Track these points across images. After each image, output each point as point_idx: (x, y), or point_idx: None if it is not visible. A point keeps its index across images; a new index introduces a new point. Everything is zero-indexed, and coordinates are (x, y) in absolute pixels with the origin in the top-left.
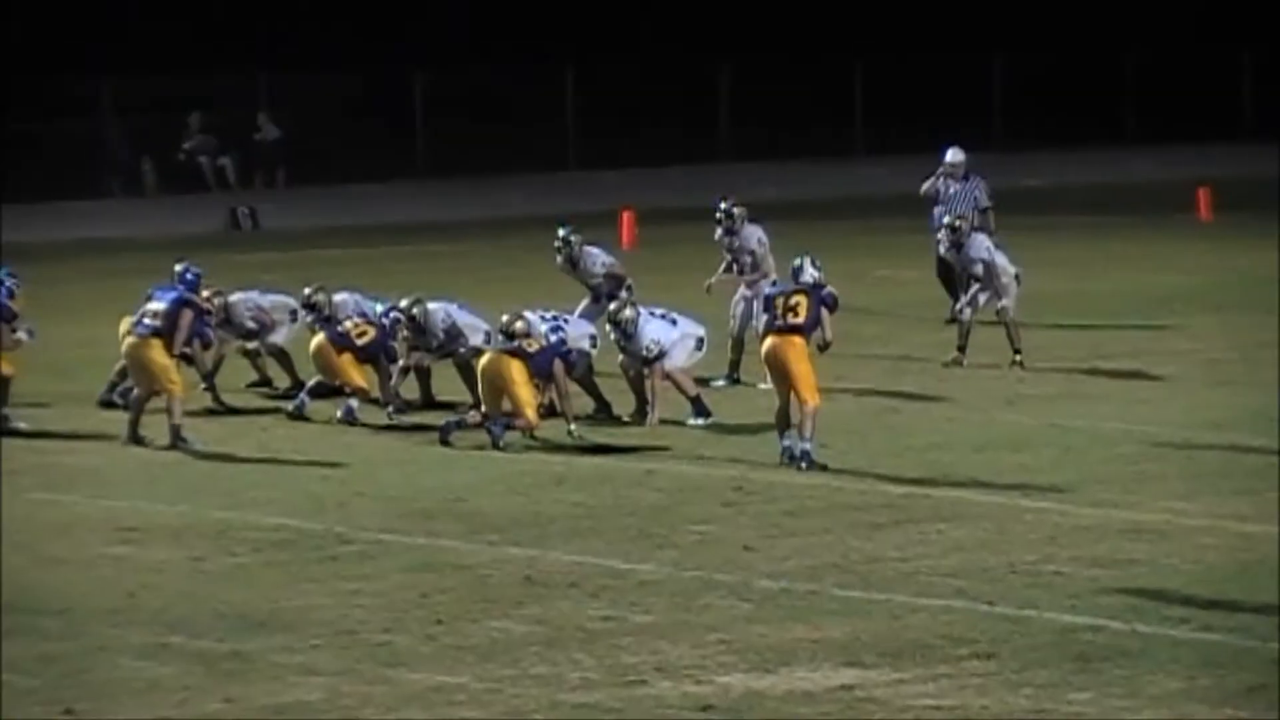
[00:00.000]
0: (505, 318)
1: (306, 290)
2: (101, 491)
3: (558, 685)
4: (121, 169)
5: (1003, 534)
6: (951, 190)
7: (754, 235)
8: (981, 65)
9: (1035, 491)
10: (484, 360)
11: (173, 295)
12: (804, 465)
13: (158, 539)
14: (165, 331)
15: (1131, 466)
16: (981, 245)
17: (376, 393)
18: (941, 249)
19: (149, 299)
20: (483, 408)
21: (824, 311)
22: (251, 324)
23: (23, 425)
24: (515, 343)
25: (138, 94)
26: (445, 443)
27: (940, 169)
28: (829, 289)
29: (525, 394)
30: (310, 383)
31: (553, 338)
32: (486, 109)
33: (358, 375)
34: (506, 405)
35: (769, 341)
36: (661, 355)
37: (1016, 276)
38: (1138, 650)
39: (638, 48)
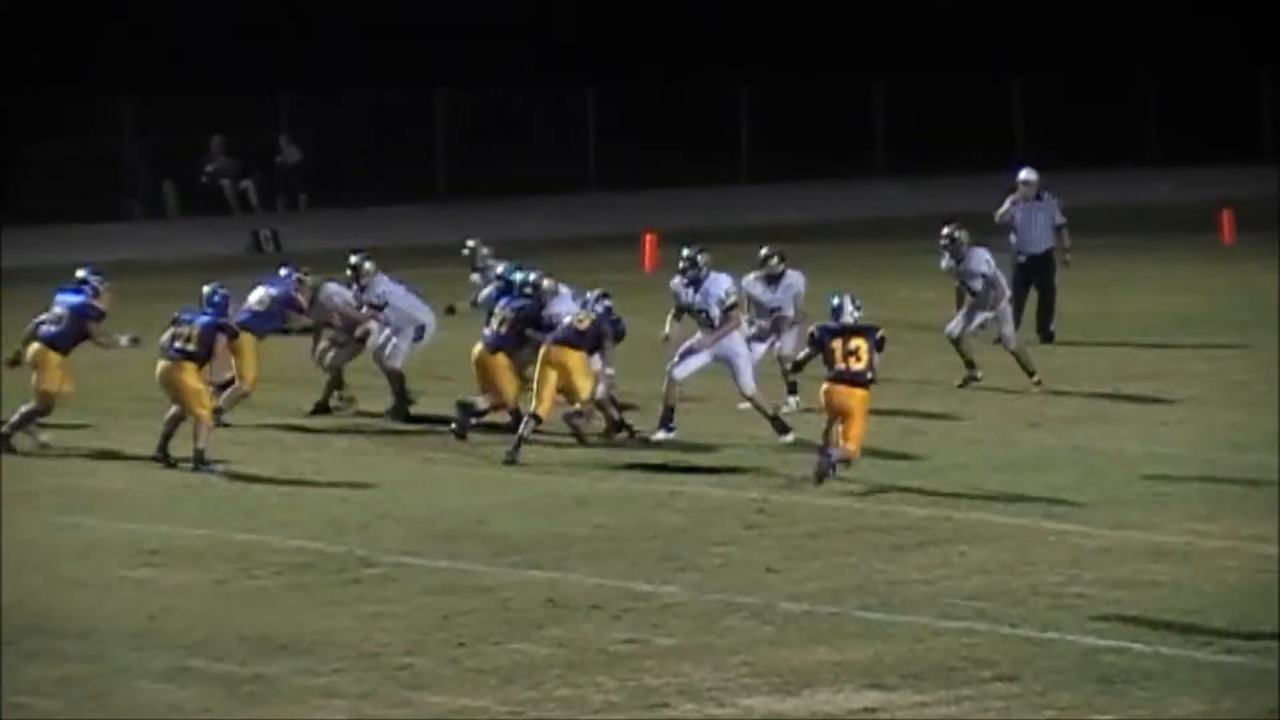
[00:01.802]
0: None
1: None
2: (123, 514)
3: (580, 708)
4: (143, 191)
5: (1025, 556)
6: (1027, 212)
7: (723, 284)
8: (1002, 87)
9: (1058, 513)
10: (544, 351)
11: (205, 320)
12: (834, 472)
13: (179, 562)
14: (199, 356)
15: (1153, 488)
16: (982, 258)
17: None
18: (942, 263)
19: (176, 322)
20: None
21: (876, 354)
22: (336, 319)
23: (45, 438)
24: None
25: (160, 116)
26: (462, 436)
27: (1015, 194)
28: (880, 330)
29: (585, 383)
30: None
31: (599, 307)
32: (507, 131)
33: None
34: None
35: (835, 390)
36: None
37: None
38: (1161, 672)
39: (659, 69)
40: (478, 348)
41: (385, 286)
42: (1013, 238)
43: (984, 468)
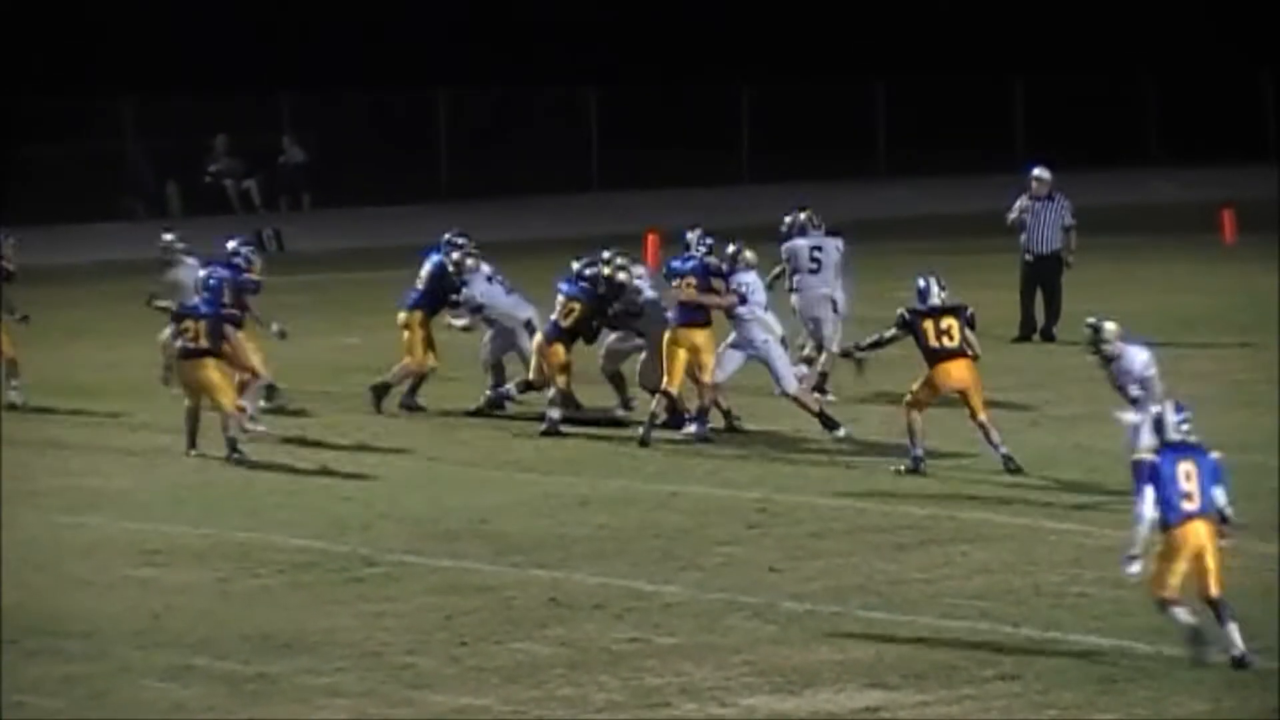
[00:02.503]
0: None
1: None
2: (126, 514)
3: (582, 707)
4: (146, 191)
5: (1027, 556)
6: (1037, 211)
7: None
8: (1004, 87)
9: (1060, 513)
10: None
11: (208, 313)
12: (1011, 466)
13: (182, 561)
14: (213, 350)
15: None
16: (1137, 359)
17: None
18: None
19: (177, 317)
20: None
21: (969, 331)
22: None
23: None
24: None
25: (162, 116)
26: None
27: (1026, 192)
28: (969, 309)
29: (711, 360)
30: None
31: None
32: (510, 131)
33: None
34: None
35: (945, 367)
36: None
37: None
38: (1162, 672)
39: (661, 69)
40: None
41: (482, 287)
42: (1023, 236)
43: (986, 468)
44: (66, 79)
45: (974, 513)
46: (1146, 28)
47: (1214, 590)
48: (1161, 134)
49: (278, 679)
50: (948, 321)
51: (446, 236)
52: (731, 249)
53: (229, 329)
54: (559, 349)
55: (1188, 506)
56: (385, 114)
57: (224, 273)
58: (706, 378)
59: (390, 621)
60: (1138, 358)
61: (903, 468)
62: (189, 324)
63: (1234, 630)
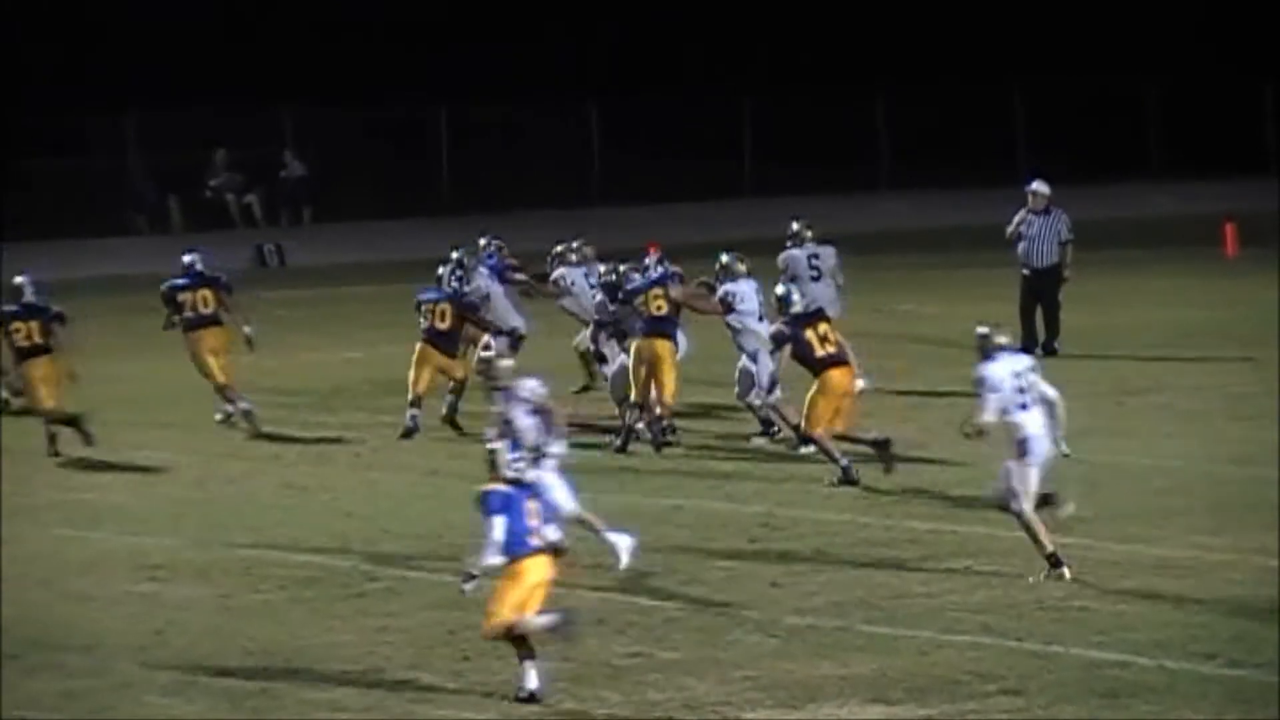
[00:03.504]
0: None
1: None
2: (128, 528)
3: None
4: (147, 206)
5: (1029, 570)
6: (1034, 225)
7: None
8: (1005, 99)
9: (1064, 527)
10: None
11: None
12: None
13: (184, 576)
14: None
15: (1158, 501)
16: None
17: None
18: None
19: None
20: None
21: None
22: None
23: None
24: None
25: (163, 131)
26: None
27: (1025, 206)
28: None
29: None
30: None
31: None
32: (510, 144)
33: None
34: None
35: (834, 372)
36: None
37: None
38: (1165, 686)
39: (662, 82)
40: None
41: (484, 281)
42: (1020, 249)
43: (988, 481)
44: (68, 94)
45: (976, 527)
46: (1148, 40)
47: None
48: (1163, 147)
49: (280, 694)
50: (824, 327)
51: (483, 241)
52: (725, 259)
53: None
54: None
55: (533, 541)
56: (385, 128)
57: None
58: (666, 395)
59: (392, 636)
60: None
61: (835, 480)
62: (20, 325)
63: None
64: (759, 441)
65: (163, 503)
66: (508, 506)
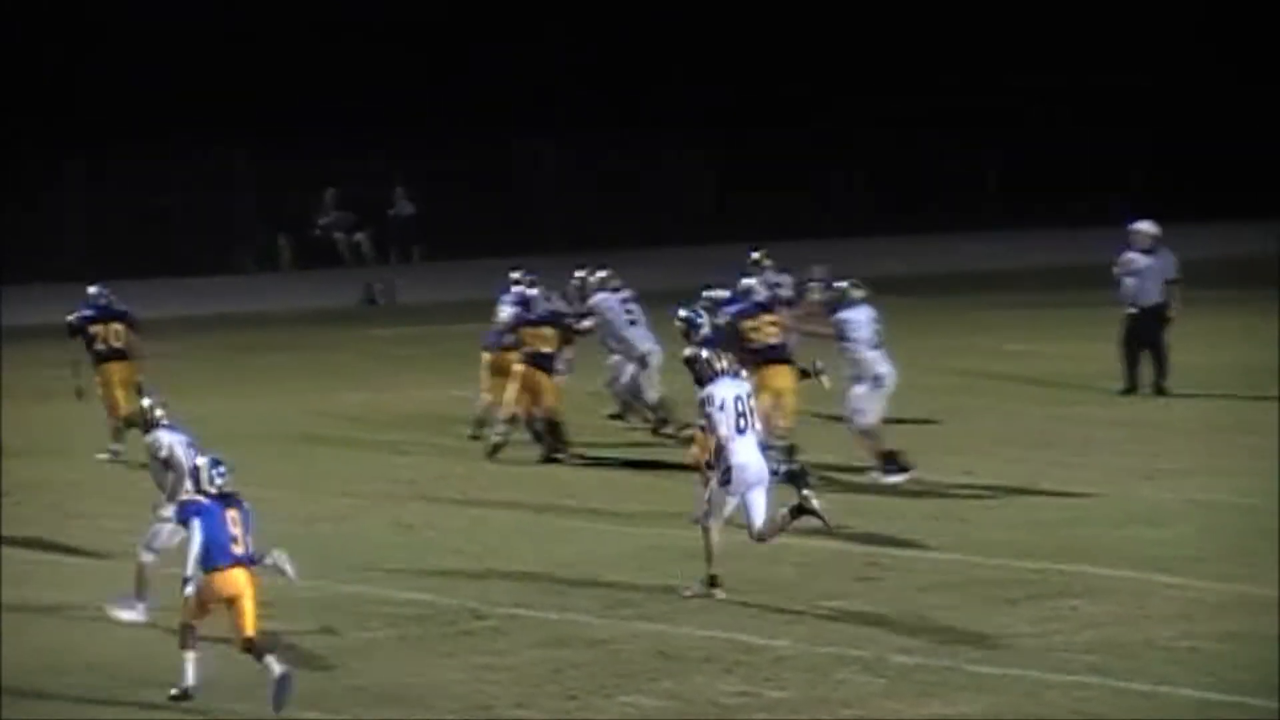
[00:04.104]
0: None
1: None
2: None
3: None
4: (256, 244)
5: (1138, 610)
6: (1140, 264)
7: None
8: (1115, 140)
9: (1171, 566)
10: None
11: None
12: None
13: (292, 614)
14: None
15: (1268, 541)
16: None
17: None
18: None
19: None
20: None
21: None
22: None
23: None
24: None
25: (273, 169)
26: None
27: (1130, 246)
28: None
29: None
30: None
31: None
32: (620, 181)
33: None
34: None
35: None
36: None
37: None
38: None
39: (766, 118)
40: None
41: (603, 296)
42: (1125, 288)
43: (1098, 521)
44: (181, 133)
45: (1084, 566)
46: (1265, 82)
47: (249, 632)
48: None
49: None
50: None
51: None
52: (843, 284)
53: None
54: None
55: (236, 550)
56: (495, 166)
57: (87, 313)
58: (784, 420)
59: (499, 674)
60: None
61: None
62: (99, 328)
63: (272, 662)
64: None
65: (270, 540)
66: (203, 513)
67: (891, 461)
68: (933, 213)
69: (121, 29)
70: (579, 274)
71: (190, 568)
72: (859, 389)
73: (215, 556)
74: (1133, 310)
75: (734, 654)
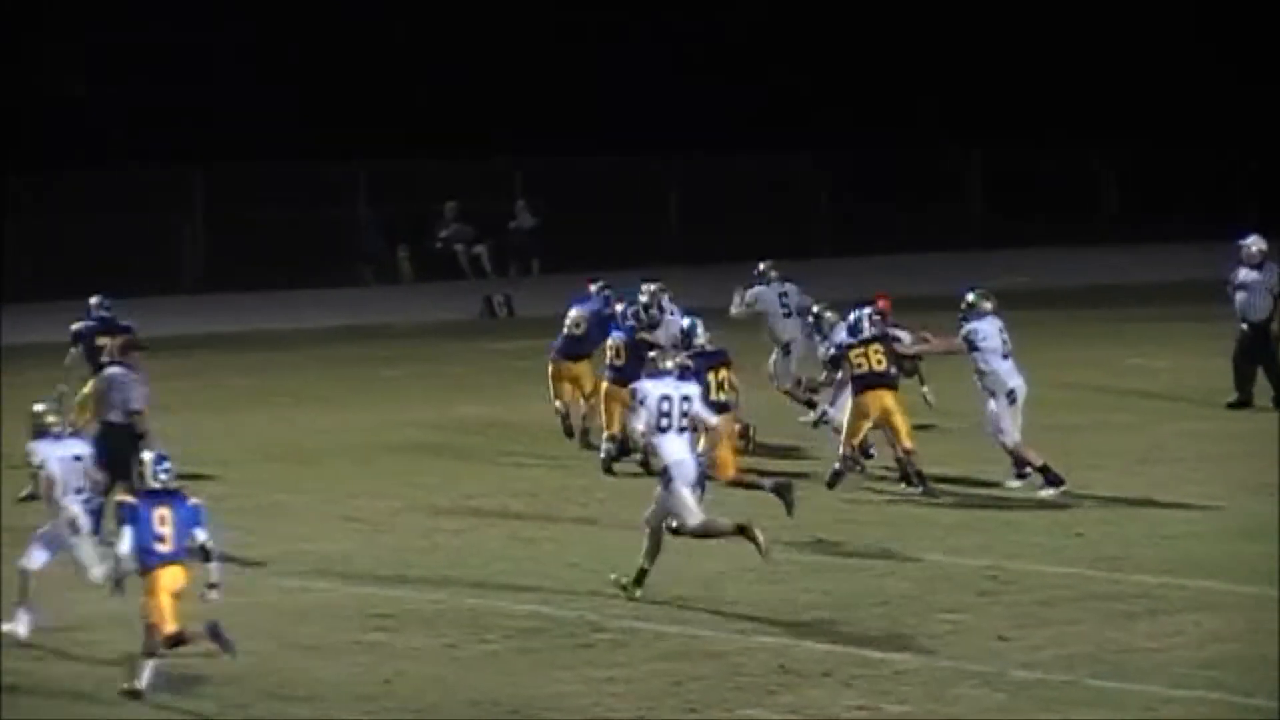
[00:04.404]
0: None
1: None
2: (352, 578)
3: None
4: (377, 257)
5: (1258, 624)
6: (1249, 279)
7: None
8: (1234, 157)
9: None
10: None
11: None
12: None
13: (411, 626)
14: None
15: None
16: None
17: None
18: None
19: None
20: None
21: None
22: None
23: None
24: None
25: (394, 182)
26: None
27: (1240, 260)
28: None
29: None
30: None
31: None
32: (741, 194)
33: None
34: None
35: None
36: None
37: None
38: None
39: (884, 133)
40: None
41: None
42: (1236, 303)
43: (1217, 535)
44: (301, 146)
45: (1204, 581)
46: None
47: (170, 627)
48: None
49: None
50: (723, 373)
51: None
52: (971, 296)
53: None
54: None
55: (162, 549)
56: (615, 179)
57: (93, 323)
58: (906, 440)
59: (618, 688)
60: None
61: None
62: (105, 339)
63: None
64: (1014, 484)
65: (389, 552)
66: (134, 518)
67: (1050, 473)
68: (1054, 226)
69: (245, 48)
70: (760, 266)
71: (119, 569)
72: (994, 405)
73: (143, 559)
74: (1244, 325)
75: (853, 668)
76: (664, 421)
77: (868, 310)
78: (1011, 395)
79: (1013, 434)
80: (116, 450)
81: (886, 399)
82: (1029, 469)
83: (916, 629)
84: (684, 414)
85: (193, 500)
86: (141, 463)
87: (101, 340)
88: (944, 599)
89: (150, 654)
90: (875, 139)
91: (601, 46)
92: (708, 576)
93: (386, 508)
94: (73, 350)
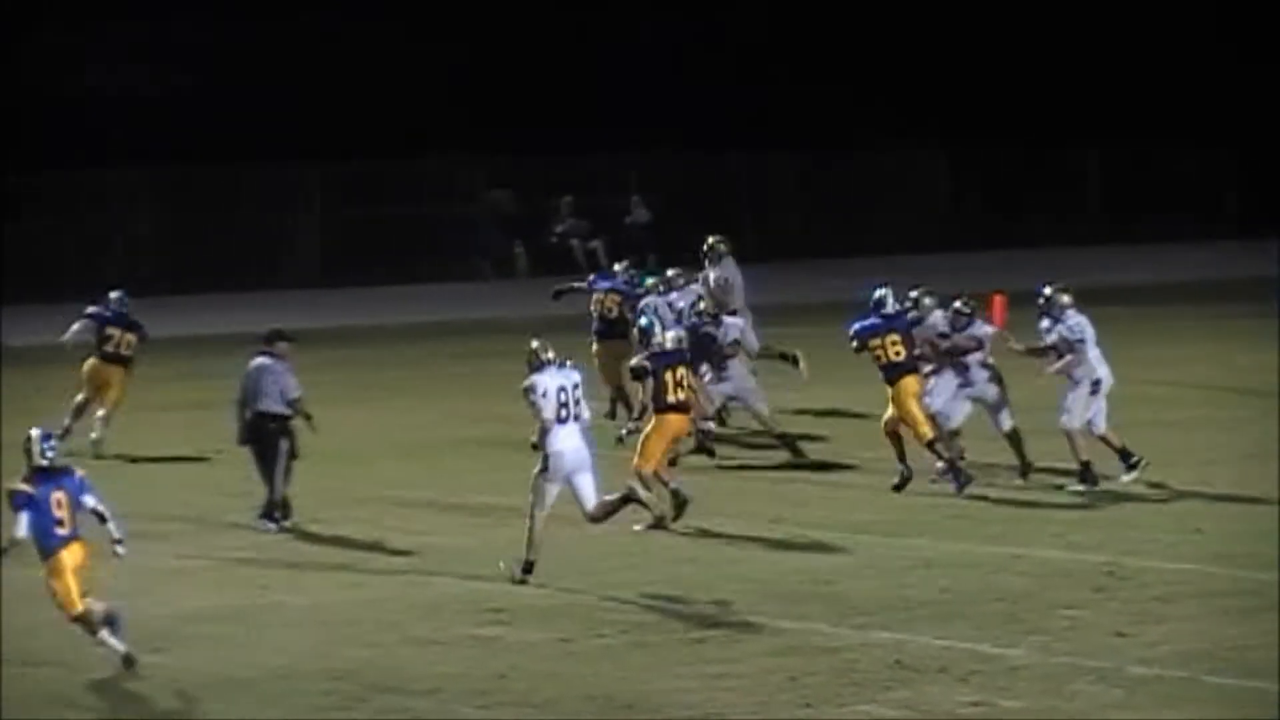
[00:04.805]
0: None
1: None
2: (470, 572)
3: None
4: (494, 252)
5: None
6: None
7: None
8: None
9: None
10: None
11: None
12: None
13: (526, 620)
14: None
15: None
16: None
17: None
18: None
19: None
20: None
21: None
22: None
23: None
24: None
25: (510, 178)
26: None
27: None
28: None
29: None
30: None
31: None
32: (855, 191)
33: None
34: None
35: (677, 419)
36: None
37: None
38: None
39: (1009, 131)
40: None
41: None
42: None
43: None
44: (414, 141)
45: None
46: None
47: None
48: None
49: None
50: (681, 371)
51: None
52: (1048, 291)
53: None
54: None
55: (61, 531)
56: (728, 174)
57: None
58: (921, 429)
59: (733, 683)
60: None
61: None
62: (115, 331)
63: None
64: (1126, 478)
65: (505, 546)
66: (30, 504)
67: (1087, 470)
68: (1168, 223)
69: (364, 43)
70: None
71: (6, 557)
72: (1077, 393)
73: (44, 543)
74: None
75: (968, 663)
76: (563, 412)
77: (956, 304)
78: (1096, 385)
79: (1078, 420)
80: (267, 438)
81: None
82: (1136, 456)
83: (1033, 625)
84: (576, 401)
85: (79, 473)
86: (29, 439)
87: (111, 331)
88: (1061, 595)
89: (93, 633)
90: (994, 137)
91: (705, 50)
92: (822, 571)
93: (503, 503)
94: (79, 325)
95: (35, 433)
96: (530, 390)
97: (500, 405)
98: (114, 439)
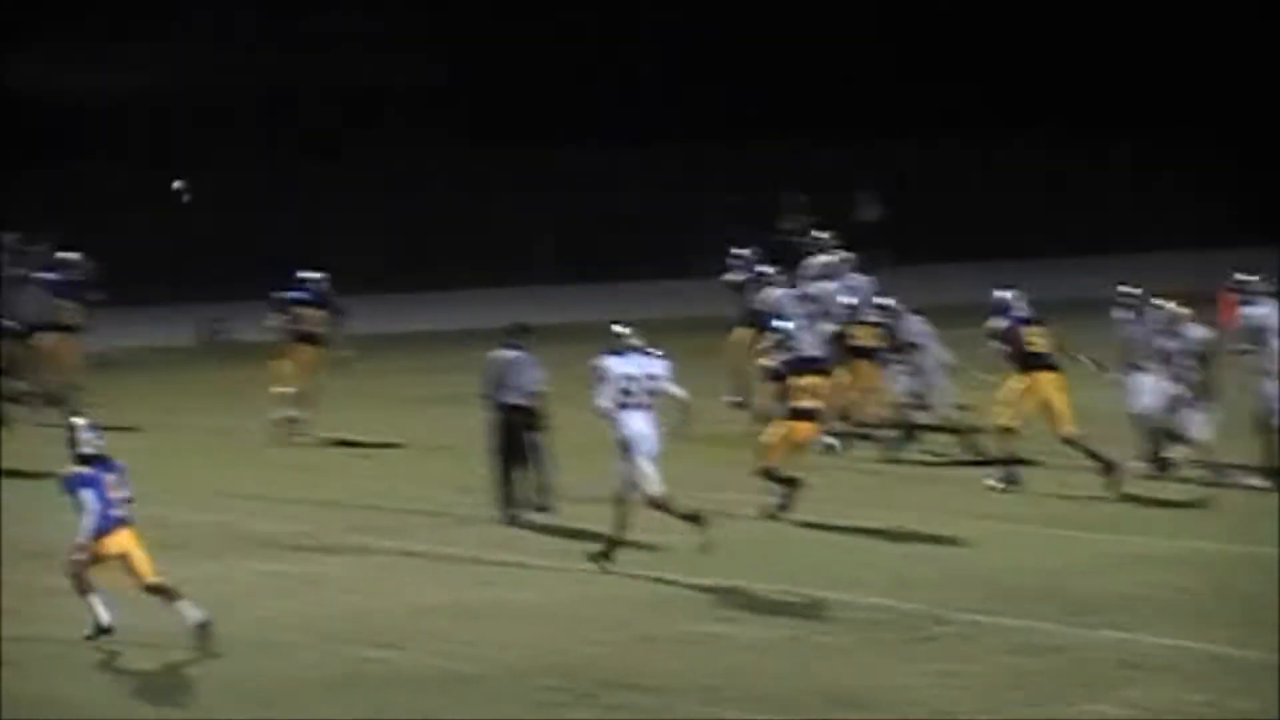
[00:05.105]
0: None
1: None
2: (698, 570)
3: None
4: (709, 248)
5: None
6: None
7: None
8: None
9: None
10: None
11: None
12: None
13: (754, 618)
14: None
15: None
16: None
17: None
18: None
19: None
20: None
21: None
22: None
23: None
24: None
25: (733, 170)
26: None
27: None
28: None
29: None
30: None
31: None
32: (1046, 185)
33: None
34: None
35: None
36: None
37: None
38: None
39: (1206, 125)
40: None
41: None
42: None
43: None
44: (621, 134)
45: None
46: None
47: (151, 579)
48: None
49: None
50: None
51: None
52: (1239, 275)
53: None
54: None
55: (116, 513)
56: (939, 169)
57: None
58: (1064, 426)
59: (961, 681)
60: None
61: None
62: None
63: (185, 607)
64: None
65: (735, 544)
66: (92, 483)
67: None
68: None
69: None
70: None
71: (84, 536)
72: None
73: (101, 523)
74: None
75: (1199, 664)
76: (626, 399)
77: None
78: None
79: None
80: (513, 430)
81: (1048, 382)
82: None
83: (1268, 625)
84: (648, 391)
85: (119, 463)
86: (73, 428)
87: (298, 309)
88: None
89: (85, 592)
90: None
91: (940, 41)
92: (1052, 569)
93: (719, 499)
94: (277, 315)
95: (80, 421)
96: (594, 369)
97: (721, 406)
98: (356, 427)
